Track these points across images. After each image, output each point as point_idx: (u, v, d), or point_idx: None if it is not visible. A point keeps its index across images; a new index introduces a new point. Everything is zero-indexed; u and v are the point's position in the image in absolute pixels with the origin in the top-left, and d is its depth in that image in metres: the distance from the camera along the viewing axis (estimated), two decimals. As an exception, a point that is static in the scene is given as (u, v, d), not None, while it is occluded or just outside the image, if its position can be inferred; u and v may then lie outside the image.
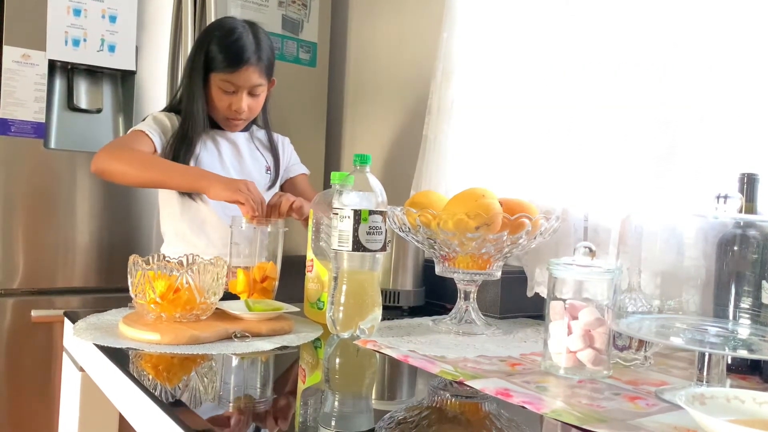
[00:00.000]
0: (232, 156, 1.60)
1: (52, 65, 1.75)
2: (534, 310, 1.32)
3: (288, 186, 1.71)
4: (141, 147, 1.48)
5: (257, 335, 1.01)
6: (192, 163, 1.52)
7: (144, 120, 1.56)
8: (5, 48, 1.67)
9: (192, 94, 1.52)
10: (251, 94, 1.54)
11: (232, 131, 1.61)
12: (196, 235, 1.57)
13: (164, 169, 1.44)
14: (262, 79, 1.53)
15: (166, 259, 1.10)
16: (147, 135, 1.49)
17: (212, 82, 1.51)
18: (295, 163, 1.75)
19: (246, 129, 1.66)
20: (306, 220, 1.54)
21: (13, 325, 1.71)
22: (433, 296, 1.42)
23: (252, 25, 1.55)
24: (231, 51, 1.49)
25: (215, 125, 1.61)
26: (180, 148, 1.51)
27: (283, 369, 0.93)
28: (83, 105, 1.86)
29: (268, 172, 1.65)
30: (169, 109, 1.62)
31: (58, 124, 1.82)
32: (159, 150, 1.51)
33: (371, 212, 1.04)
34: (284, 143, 1.74)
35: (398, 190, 1.82)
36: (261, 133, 1.69)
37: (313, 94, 2.21)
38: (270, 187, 1.64)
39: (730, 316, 0.78)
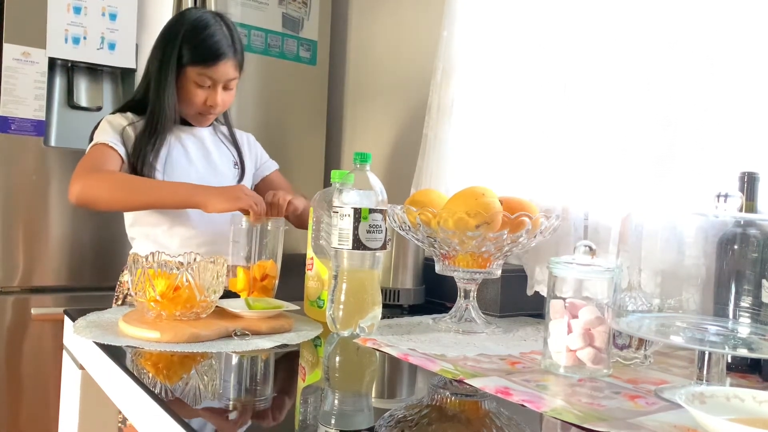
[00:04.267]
0: (199, 152, 1.55)
1: (52, 63, 1.75)
2: (534, 309, 1.32)
3: (265, 184, 1.65)
4: (111, 164, 1.42)
5: (257, 333, 1.01)
6: (159, 162, 1.47)
7: (98, 127, 1.49)
8: (5, 45, 1.67)
9: (163, 89, 1.47)
10: (225, 88, 1.51)
11: (202, 126, 1.56)
12: (167, 235, 1.49)
13: (153, 190, 1.40)
14: (236, 72, 1.51)
15: (167, 257, 1.10)
16: (111, 147, 1.43)
17: (187, 77, 1.47)
18: (267, 161, 1.70)
19: (210, 124, 1.61)
20: (298, 218, 1.53)
21: (13, 323, 1.72)
22: (433, 295, 1.42)
23: (222, 17, 1.52)
24: (208, 45, 1.46)
25: (180, 121, 1.56)
26: (148, 144, 1.45)
27: (283, 367, 0.93)
28: (83, 103, 1.86)
29: (236, 166, 1.60)
30: (125, 108, 1.54)
31: (58, 121, 1.82)
32: (125, 159, 1.45)
33: (371, 210, 1.04)
34: (249, 139, 1.69)
35: (398, 189, 1.82)
36: (223, 128, 1.64)
37: (313, 92, 2.21)
38: (239, 182, 1.59)
39: (730, 315, 0.78)
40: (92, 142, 1.45)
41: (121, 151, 1.44)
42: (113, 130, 1.46)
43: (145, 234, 1.51)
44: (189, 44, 1.46)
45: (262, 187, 1.65)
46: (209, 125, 1.61)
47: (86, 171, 1.40)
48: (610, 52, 1.26)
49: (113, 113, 1.54)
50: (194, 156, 1.54)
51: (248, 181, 1.63)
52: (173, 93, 1.48)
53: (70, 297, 1.78)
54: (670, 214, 0.86)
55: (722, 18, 1.08)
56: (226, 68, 1.48)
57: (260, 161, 1.69)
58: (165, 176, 1.47)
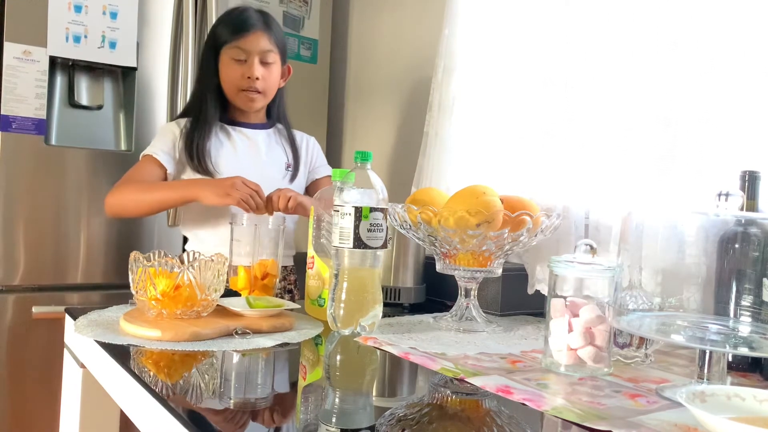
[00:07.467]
0: (249, 152, 1.60)
1: (53, 61, 1.75)
2: (535, 308, 1.32)
3: (313, 187, 1.70)
4: (149, 174, 1.50)
5: (258, 332, 1.01)
6: (208, 160, 1.52)
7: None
8: (6, 44, 1.67)
9: (203, 73, 1.56)
10: (263, 63, 1.54)
11: (250, 108, 1.60)
12: (213, 233, 1.57)
13: (159, 189, 1.48)
14: (271, 46, 1.55)
15: (167, 256, 1.10)
16: (153, 158, 1.51)
17: (223, 58, 1.54)
18: (321, 165, 1.74)
19: (269, 126, 1.66)
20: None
21: (14, 322, 1.72)
22: (433, 293, 1.42)
23: (262, 11, 1.59)
24: (237, 20, 1.54)
25: (233, 122, 1.60)
26: (195, 131, 1.52)
27: (284, 366, 0.93)
28: (84, 101, 1.86)
29: (288, 168, 1.64)
30: (184, 113, 1.62)
31: (59, 120, 1.82)
32: (170, 168, 1.52)
33: (372, 209, 1.04)
34: (309, 142, 1.73)
35: (399, 187, 1.82)
36: (285, 132, 1.68)
37: (315, 90, 2.21)
38: (290, 184, 1.63)
39: (731, 314, 0.78)
40: (142, 153, 1.55)
41: (164, 159, 1.52)
42: (160, 140, 1.56)
43: (194, 233, 1.61)
44: (222, 23, 1.56)
45: (311, 189, 1.69)
46: (267, 128, 1.64)
47: (118, 184, 1.51)
48: (611, 50, 1.26)
49: (175, 119, 1.63)
50: (243, 156, 1.59)
51: (301, 183, 1.67)
52: (214, 75, 1.55)
53: (71, 296, 1.78)
54: (671, 213, 0.86)
55: (723, 18, 1.08)
56: (257, 38, 1.53)
57: (313, 164, 1.73)
58: (217, 176, 1.53)
